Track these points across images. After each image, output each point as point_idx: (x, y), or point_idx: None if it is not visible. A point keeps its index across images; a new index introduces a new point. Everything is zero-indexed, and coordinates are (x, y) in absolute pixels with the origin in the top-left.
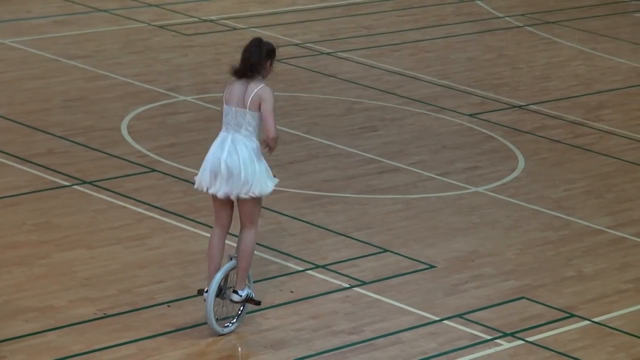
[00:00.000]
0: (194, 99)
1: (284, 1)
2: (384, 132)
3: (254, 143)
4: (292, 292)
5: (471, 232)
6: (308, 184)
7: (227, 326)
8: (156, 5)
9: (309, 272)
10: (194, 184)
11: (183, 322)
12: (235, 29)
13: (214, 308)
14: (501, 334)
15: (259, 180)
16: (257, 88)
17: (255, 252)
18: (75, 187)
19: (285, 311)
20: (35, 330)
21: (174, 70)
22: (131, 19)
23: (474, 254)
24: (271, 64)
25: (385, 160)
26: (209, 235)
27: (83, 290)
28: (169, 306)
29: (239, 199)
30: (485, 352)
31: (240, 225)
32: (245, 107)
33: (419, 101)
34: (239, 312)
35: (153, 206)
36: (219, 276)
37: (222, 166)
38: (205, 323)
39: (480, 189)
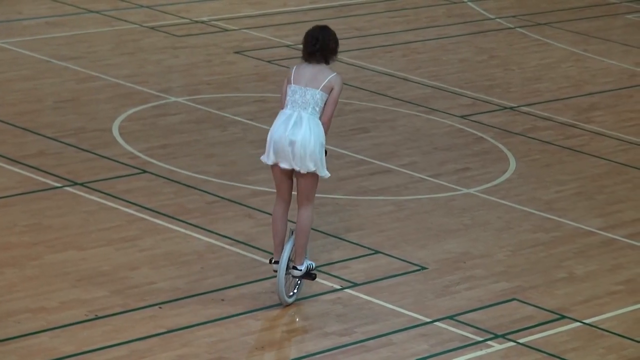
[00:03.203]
0: (186, 100)
1: (276, 2)
2: (375, 133)
3: (319, 124)
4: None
5: (462, 234)
6: None
7: (291, 296)
8: (147, 7)
9: None
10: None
11: (175, 323)
12: (226, 30)
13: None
14: (492, 336)
15: (321, 159)
16: (331, 75)
17: (246, 253)
18: (66, 188)
19: (277, 312)
20: (26, 331)
21: (166, 72)
22: (122, 20)
23: (465, 255)
24: (336, 53)
25: (377, 162)
26: (200, 236)
27: (74, 292)
28: (160, 307)
29: (298, 175)
30: (476, 354)
31: (298, 203)
32: (318, 88)
33: (410, 102)
34: (298, 283)
35: (144, 207)
36: (287, 253)
37: (287, 140)
38: (198, 324)
39: (471, 191)
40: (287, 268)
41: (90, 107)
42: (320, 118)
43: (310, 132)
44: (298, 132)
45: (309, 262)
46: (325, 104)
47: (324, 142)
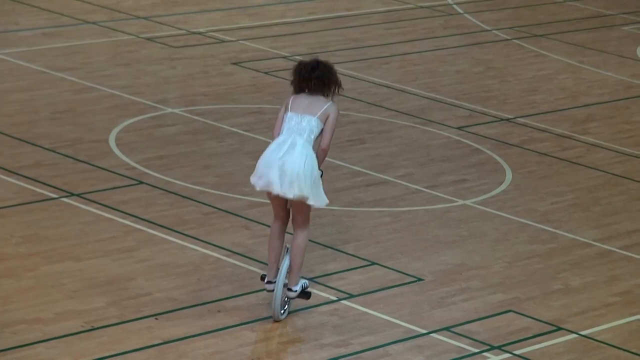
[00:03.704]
0: (182, 111)
1: (273, 14)
2: (372, 144)
3: (312, 154)
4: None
5: (459, 245)
6: None
7: (282, 313)
8: (144, 18)
9: None
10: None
11: (171, 334)
12: (223, 41)
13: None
14: (488, 347)
15: (316, 187)
16: (327, 104)
17: (242, 264)
18: (63, 199)
19: (273, 324)
20: (22, 342)
21: (162, 83)
22: (119, 31)
23: (461, 266)
24: (338, 89)
25: (373, 173)
26: (196, 247)
27: (71, 303)
28: (156, 319)
29: (291, 199)
30: None
31: (293, 224)
32: (314, 115)
33: (407, 114)
34: (287, 300)
35: (141, 218)
36: (283, 273)
37: (281, 165)
38: (194, 335)
39: (467, 202)
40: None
41: (86, 118)
42: (314, 147)
43: (303, 159)
44: (290, 157)
45: (303, 280)
46: (321, 131)
47: (318, 172)
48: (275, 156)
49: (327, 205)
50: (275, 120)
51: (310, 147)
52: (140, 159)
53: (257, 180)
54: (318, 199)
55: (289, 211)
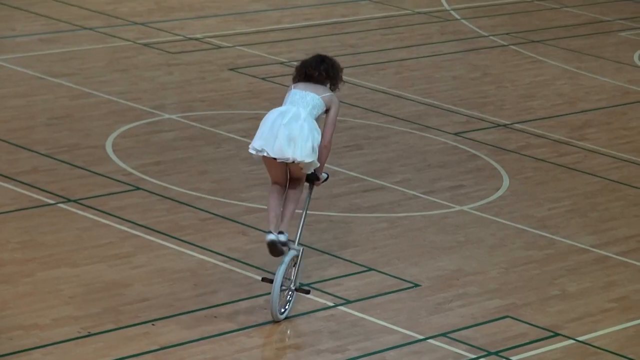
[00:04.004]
0: (179, 117)
1: (269, 19)
2: (369, 150)
3: (314, 124)
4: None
5: (456, 251)
6: None
7: (282, 312)
8: (141, 24)
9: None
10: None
11: (168, 340)
12: (220, 47)
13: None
14: (485, 353)
15: (313, 156)
16: (330, 92)
17: (239, 270)
18: (59, 205)
19: (270, 329)
20: (19, 348)
21: (159, 89)
22: (116, 37)
23: (458, 272)
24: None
25: (370, 179)
26: (193, 253)
27: (67, 309)
28: (153, 325)
29: (291, 163)
30: None
31: (289, 186)
32: (318, 95)
33: (404, 120)
34: (289, 299)
35: (137, 224)
36: (282, 270)
37: (282, 128)
38: (191, 341)
39: (464, 208)
40: (282, 284)
41: (83, 123)
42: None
43: (308, 128)
44: (294, 124)
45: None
46: (324, 113)
47: (317, 144)
48: (279, 121)
49: (326, 180)
50: None
51: (313, 121)
52: (137, 164)
53: (253, 145)
54: (312, 166)
55: (287, 176)
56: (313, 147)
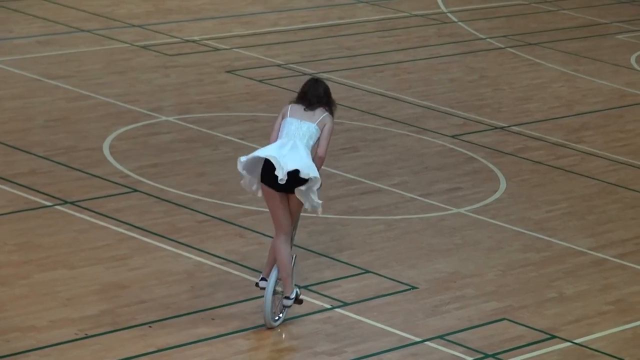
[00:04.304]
0: (176, 119)
1: (266, 22)
2: (366, 152)
3: (311, 157)
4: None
5: (453, 253)
6: None
7: (276, 320)
8: (139, 26)
9: None
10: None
11: (165, 342)
12: (217, 49)
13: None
14: (482, 355)
15: (312, 189)
16: (325, 113)
17: (236, 272)
18: (57, 207)
19: (266, 332)
20: (16, 350)
21: (156, 91)
22: (113, 39)
23: (455, 275)
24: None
25: (367, 181)
26: (190, 255)
27: (64, 311)
28: (150, 327)
29: (289, 196)
30: None
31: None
32: (314, 123)
33: (401, 122)
34: (283, 307)
35: (134, 226)
36: (273, 278)
37: (281, 160)
38: (188, 343)
39: (462, 210)
40: (274, 293)
41: (80, 125)
42: (312, 153)
43: (306, 159)
44: (294, 155)
45: (297, 290)
46: (319, 139)
47: (317, 175)
48: (276, 153)
49: (321, 212)
50: (271, 128)
51: (309, 152)
52: (134, 166)
53: (247, 184)
54: (314, 200)
55: (290, 219)
56: (313, 185)
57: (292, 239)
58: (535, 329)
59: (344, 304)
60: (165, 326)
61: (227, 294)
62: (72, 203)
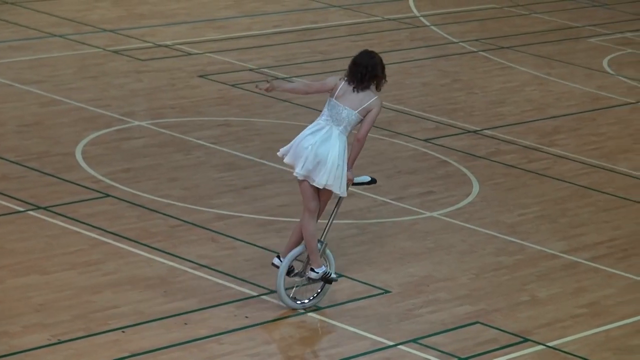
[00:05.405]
0: (149, 124)
1: (239, 26)
2: None
3: (344, 142)
4: (246, 317)
5: (426, 257)
6: (263, 209)
7: (304, 302)
8: (111, 31)
9: (264, 297)
10: (150, 208)
11: (138, 347)
12: (190, 54)
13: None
14: (456, 359)
15: (340, 177)
16: (373, 98)
17: (209, 277)
18: (29, 212)
19: (240, 337)
20: None
21: (129, 96)
22: (86, 44)
23: (428, 278)
24: (385, 79)
25: None
26: (163, 260)
27: (37, 316)
28: (123, 332)
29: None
30: None
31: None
32: (356, 110)
33: (374, 126)
34: (319, 290)
35: (107, 231)
36: (287, 260)
37: (312, 150)
38: (161, 348)
39: (434, 214)
40: (303, 271)
41: (53, 131)
42: (348, 138)
43: (337, 151)
44: (325, 146)
45: (326, 269)
46: (360, 122)
47: (344, 163)
48: (309, 142)
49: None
50: (318, 80)
51: (345, 139)
52: (106, 171)
53: (285, 152)
54: (341, 188)
55: (318, 202)
56: (342, 173)
57: (317, 218)
58: (509, 332)
59: (318, 308)
60: (138, 331)
61: (200, 299)
62: (44, 208)
